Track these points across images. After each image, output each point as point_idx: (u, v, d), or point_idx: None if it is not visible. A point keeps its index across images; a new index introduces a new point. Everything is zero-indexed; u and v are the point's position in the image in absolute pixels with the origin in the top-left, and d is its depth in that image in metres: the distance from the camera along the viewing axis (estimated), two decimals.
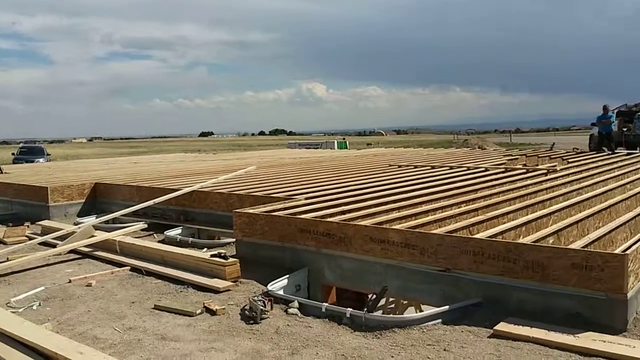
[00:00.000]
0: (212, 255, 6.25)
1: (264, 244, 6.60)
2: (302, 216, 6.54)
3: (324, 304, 5.12)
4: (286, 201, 7.77)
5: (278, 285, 5.73)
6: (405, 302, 8.98)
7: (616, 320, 4.36)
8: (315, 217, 6.52)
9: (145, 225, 8.81)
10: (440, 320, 4.70)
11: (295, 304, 5.15)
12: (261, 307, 4.91)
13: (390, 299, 9.05)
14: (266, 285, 5.65)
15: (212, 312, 5.10)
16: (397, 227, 5.89)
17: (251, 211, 6.88)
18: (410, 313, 8.04)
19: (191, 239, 8.15)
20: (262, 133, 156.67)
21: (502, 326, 4.40)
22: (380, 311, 9.85)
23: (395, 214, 6.74)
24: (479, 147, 30.82)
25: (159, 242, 8.06)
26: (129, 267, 6.73)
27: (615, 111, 26.27)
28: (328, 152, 23.95)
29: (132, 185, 10.73)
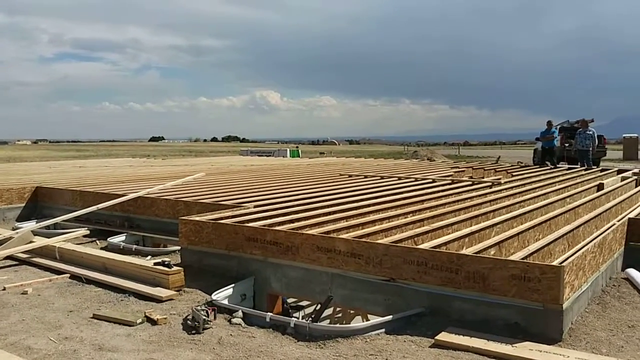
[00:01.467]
0: (155, 264, 6.11)
1: (210, 252, 6.50)
2: (250, 224, 6.48)
3: (268, 313, 5.07)
4: (234, 209, 7.70)
5: (223, 295, 5.65)
6: (352, 311, 9.03)
7: (552, 330, 4.50)
8: (263, 225, 6.48)
9: (88, 232, 8.55)
10: (383, 330, 4.73)
11: (239, 313, 5.09)
12: (204, 317, 4.83)
13: (338, 309, 9.10)
14: (211, 295, 5.56)
15: (153, 322, 4.98)
16: (344, 236, 5.92)
17: (198, 219, 6.78)
18: (357, 322, 8.09)
19: (135, 246, 7.96)
20: (214, 139, 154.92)
21: (443, 336, 4.46)
22: (328, 321, 9.91)
23: (343, 224, 6.77)
24: (428, 159, 31.35)
25: (101, 249, 7.84)
26: (68, 275, 6.51)
27: (558, 127, 27.28)
28: (280, 160, 23.89)
29: (76, 190, 10.41)
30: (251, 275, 6.16)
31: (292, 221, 6.85)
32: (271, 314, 5.10)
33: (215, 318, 4.99)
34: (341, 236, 5.91)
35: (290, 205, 8.04)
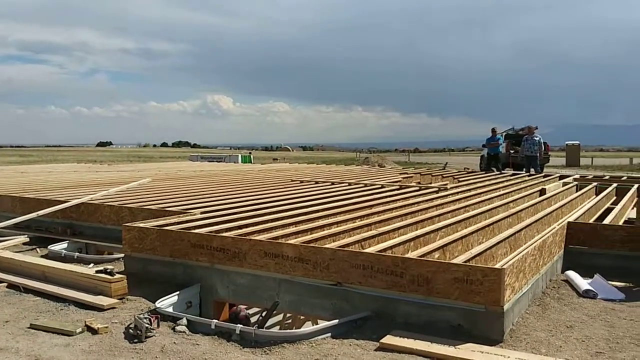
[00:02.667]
0: (97, 271, 5.93)
1: (154, 259, 6.36)
2: (196, 231, 6.38)
3: (213, 320, 4.99)
4: (181, 215, 7.57)
5: (167, 302, 5.54)
6: (302, 317, 9.00)
7: (493, 332, 4.59)
8: (210, 231, 6.39)
9: (28, 239, 8.24)
10: (330, 334, 4.73)
11: (184, 321, 4.99)
12: (146, 325, 4.71)
13: (288, 314, 9.06)
14: (154, 302, 5.44)
15: (94, 331, 4.82)
16: (292, 241, 5.90)
17: (142, 225, 6.63)
18: (307, 327, 8.07)
19: (77, 254, 7.71)
20: (165, 145, 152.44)
21: (387, 339, 4.50)
22: (278, 327, 9.86)
23: (292, 229, 6.75)
24: (378, 165, 31.76)
25: (42, 257, 7.55)
26: (5, 284, 6.23)
27: (504, 134, 28.13)
28: (231, 166, 23.69)
29: (15, 196, 10.02)
30: (197, 282, 6.06)
31: (240, 227, 6.79)
32: (216, 321, 5.02)
33: (158, 326, 4.88)
34: (289, 241, 5.89)
35: (239, 211, 7.97)
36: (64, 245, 8.19)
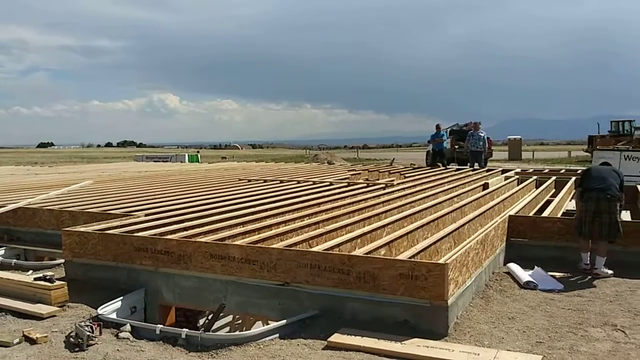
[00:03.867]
0: (36, 279, 5.71)
1: (96, 264, 6.17)
2: (140, 234, 6.24)
3: (158, 325, 4.89)
4: (124, 218, 7.38)
5: (110, 308, 5.39)
6: (252, 317, 8.94)
7: (438, 326, 4.68)
8: (154, 234, 6.26)
9: None
10: (277, 335, 4.71)
11: (127, 327, 4.87)
12: (88, 333, 4.57)
13: (238, 316, 8.97)
14: (97, 309, 5.28)
15: (33, 341, 4.63)
16: (239, 242, 5.84)
17: (83, 229, 6.42)
18: (258, 327, 8.02)
19: (15, 260, 7.40)
20: (109, 145, 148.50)
21: (335, 337, 4.52)
22: (228, 328, 9.76)
23: (239, 229, 6.68)
24: (327, 162, 31.87)
25: None
26: None
27: (448, 130, 28.72)
28: (177, 165, 23.29)
29: None
30: (141, 286, 5.92)
31: (185, 229, 6.67)
32: (161, 326, 4.92)
33: (100, 333, 4.74)
34: (236, 242, 5.83)
35: (184, 212, 7.83)
36: (1, 252, 7.85)
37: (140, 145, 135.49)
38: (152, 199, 9.55)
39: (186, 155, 34.51)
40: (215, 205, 8.52)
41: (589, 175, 7.22)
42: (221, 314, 5.65)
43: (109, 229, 6.60)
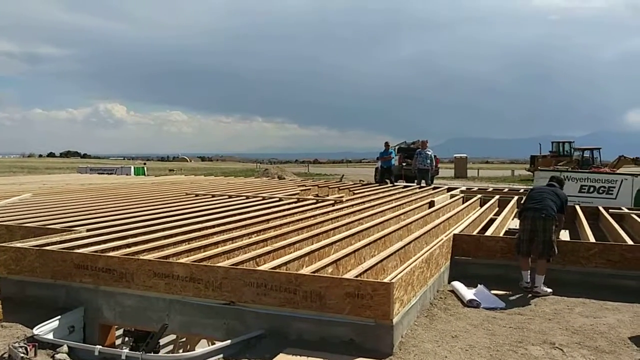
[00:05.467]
0: None
1: (33, 282, 5.92)
2: (80, 250, 6.03)
3: (97, 346, 4.72)
4: (64, 233, 7.12)
5: (47, 328, 5.17)
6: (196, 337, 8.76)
7: (384, 345, 4.70)
8: (95, 251, 6.06)
9: None
10: (221, 356, 4.62)
11: (64, 348, 4.68)
12: (22, 355, 4.37)
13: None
14: (32, 329, 5.05)
15: None
16: (184, 260, 5.74)
17: (19, 245, 6.16)
18: (203, 347, 7.86)
19: None
20: (52, 155, 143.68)
21: (280, 358, 4.47)
22: (171, 346, 9.53)
23: (184, 246, 6.56)
24: (278, 177, 31.80)
25: None
26: None
27: (397, 148, 29.22)
28: (122, 178, 22.71)
29: None
30: (81, 305, 5.71)
31: (128, 245, 6.50)
32: (100, 346, 4.75)
33: (35, 354, 4.54)
34: (180, 260, 5.72)
35: (128, 228, 7.63)
36: None
37: (85, 156, 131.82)
38: (95, 214, 9.27)
39: (132, 167, 33.74)
40: (161, 220, 8.34)
41: (530, 196, 7.50)
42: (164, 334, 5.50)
43: (48, 244, 6.36)
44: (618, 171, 29.99)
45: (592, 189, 15.97)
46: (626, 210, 12.23)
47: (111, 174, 28.13)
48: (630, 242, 8.05)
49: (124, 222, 8.22)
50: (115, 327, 6.19)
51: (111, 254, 5.95)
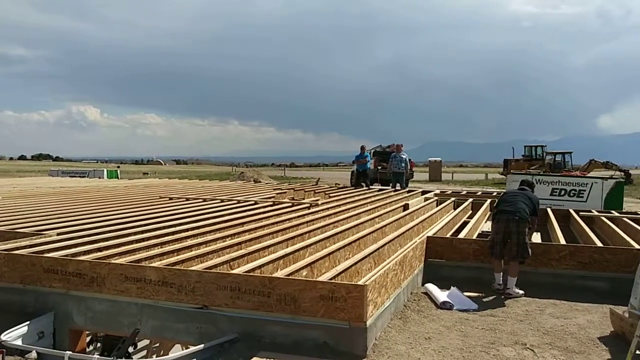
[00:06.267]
0: None
1: (2, 287, 5.79)
2: (50, 255, 5.93)
3: (67, 352, 4.63)
4: (34, 237, 7.00)
5: (15, 334, 5.06)
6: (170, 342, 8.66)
7: (357, 348, 4.71)
8: (66, 255, 5.96)
9: None
10: None
11: (33, 354, 4.61)
12: None
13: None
14: (0, 335, 4.94)
15: None
16: (156, 264, 5.67)
17: None
18: (177, 352, 7.78)
19: None
20: (22, 157, 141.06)
21: None
22: (145, 351, 9.40)
23: (156, 250, 6.48)
24: (254, 180, 31.68)
25: None
26: None
27: (372, 151, 29.37)
28: (95, 181, 22.39)
29: None
30: (51, 310, 5.61)
31: (100, 249, 6.40)
32: (70, 352, 4.67)
33: None
34: (153, 264, 5.66)
35: (99, 232, 7.52)
36: None
37: (57, 159, 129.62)
38: (66, 217, 9.12)
39: (105, 170, 33.26)
40: (133, 224, 8.24)
41: (503, 199, 7.60)
42: (136, 339, 5.43)
43: (17, 248, 6.24)
44: (589, 175, 30.61)
45: (563, 192, 16.25)
46: (596, 213, 12.46)
47: (83, 177, 27.70)
48: (599, 244, 8.21)
49: (95, 225, 8.10)
50: (86, 332, 6.10)
51: (82, 258, 5.86)
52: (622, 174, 37.72)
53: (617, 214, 12.13)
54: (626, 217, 11.27)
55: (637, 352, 4.51)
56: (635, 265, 5.96)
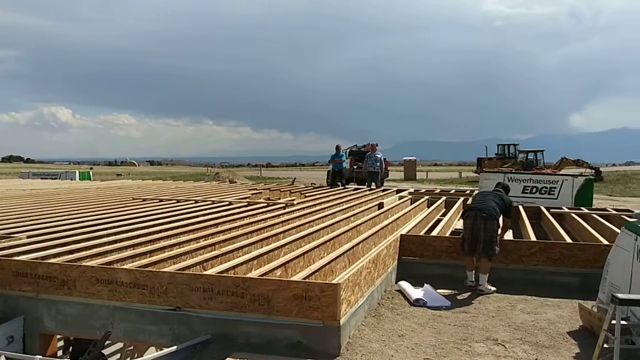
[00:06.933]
0: None
1: None
2: (19, 258, 5.82)
3: (37, 356, 4.56)
4: (3, 240, 6.86)
5: None
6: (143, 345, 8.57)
7: (331, 346, 4.73)
8: (35, 258, 5.86)
9: None
10: None
11: (2, 359, 4.51)
12: None
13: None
14: None
15: None
16: (128, 266, 5.61)
17: None
18: (151, 354, 7.71)
19: None
20: None
21: None
22: (118, 355, 9.30)
23: (129, 252, 6.42)
24: (229, 181, 31.51)
25: None
26: None
27: (347, 151, 29.48)
28: (66, 183, 22.04)
29: None
30: (20, 314, 5.52)
31: (71, 252, 6.30)
32: (40, 356, 4.59)
33: None
34: (125, 266, 5.60)
35: (70, 234, 7.40)
36: None
37: (28, 161, 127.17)
38: (36, 220, 8.96)
39: (77, 172, 32.74)
40: (105, 226, 8.13)
41: (475, 197, 7.72)
42: (107, 342, 5.37)
43: None
44: (560, 172, 31.16)
45: (534, 189, 16.50)
46: (566, 210, 12.69)
47: (55, 179, 27.23)
48: (569, 240, 8.37)
49: (66, 228, 7.97)
50: (57, 336, 6.01)
51: (52, 260, 5.77)
52: (593, 171, 38.46)
53: (586, 211, 12.37)
54: (595, 214, 11.50)
55: (605, 345, 4.60)
56: (603, 261, 6.10)
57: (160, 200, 12.34)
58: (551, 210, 12.37)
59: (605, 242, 7.98)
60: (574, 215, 11.50)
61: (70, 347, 7.30)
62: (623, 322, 4.55)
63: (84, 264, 5.62)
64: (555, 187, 16.43)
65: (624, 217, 10.10)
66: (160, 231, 7.73)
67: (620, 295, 4.56)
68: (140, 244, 6.88)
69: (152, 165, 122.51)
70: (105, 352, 8.27)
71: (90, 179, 28.10)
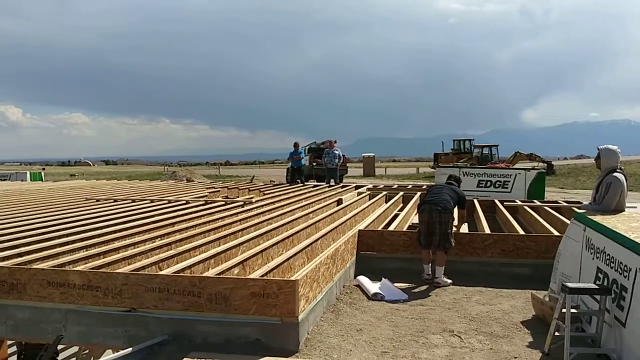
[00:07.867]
0: None
1: None
2: None
3: None
4: None
5: None
6: (98, 347, 8.39)
7: (290, 343, 4.72)
8: None
9: None
10: None
11: None
12: None
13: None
14: None
15: None
16: (80, 268, 5.47)
17: None
18: (106, 356, 7.54)
19: None
20: None
21: None
22: (74, 359, 9.09)
23: (81, 254, 6.25)
24: (187, 180, 31.09)
25: None
26: None
27: (307, 148, 29.50)
28: (17, 184, 21.34)
29: None
30: None
31: (20, 255, 6.11)
32: None
33: None
34: (77, 268, 5.45)
35: (20, 237, 7.17)
36: None
37: None
38: None
39: (28, 173, 31.71)
40: (56, 227, 7.91)
41: (429, 192, 7.83)
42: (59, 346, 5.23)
43: None
44: (513, 166, 31.92)
45: (489, 183, 16.89)
46: (519, 203, 13.02)
47: (4, 180, 26.33)
48: (522, 232, 8.58)
49: (15, 230, 7.71)
50: (8, 341, 5.82)
51: (0, 264, 5.57)
52: (545, 165, 39.58)
53: (538, 203, 12.72)
54: (547, 206, 11.83)
55: (557, 333, 4.74)
56: (554, 251, 6.29)
57: (115, 201, 12.09)
58: (505, 203, 12.67)
59: (556, 233, 8.22)
60: (526, 207, 11.81)
61: (22, 353, 7.10)
62: (573, 311, 4.70)
63: (34, 266, 5.45)
64: (508, 181, 16.85)
65: (574, 208, 10.43)
66: (115, 232, 7.57)
67: (570, 285, 4.71)
68: (94, 245, 6.72)
69: (108, 165, 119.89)
70: (60, 356, 8.06)
71: (42, 180, 27.27)
